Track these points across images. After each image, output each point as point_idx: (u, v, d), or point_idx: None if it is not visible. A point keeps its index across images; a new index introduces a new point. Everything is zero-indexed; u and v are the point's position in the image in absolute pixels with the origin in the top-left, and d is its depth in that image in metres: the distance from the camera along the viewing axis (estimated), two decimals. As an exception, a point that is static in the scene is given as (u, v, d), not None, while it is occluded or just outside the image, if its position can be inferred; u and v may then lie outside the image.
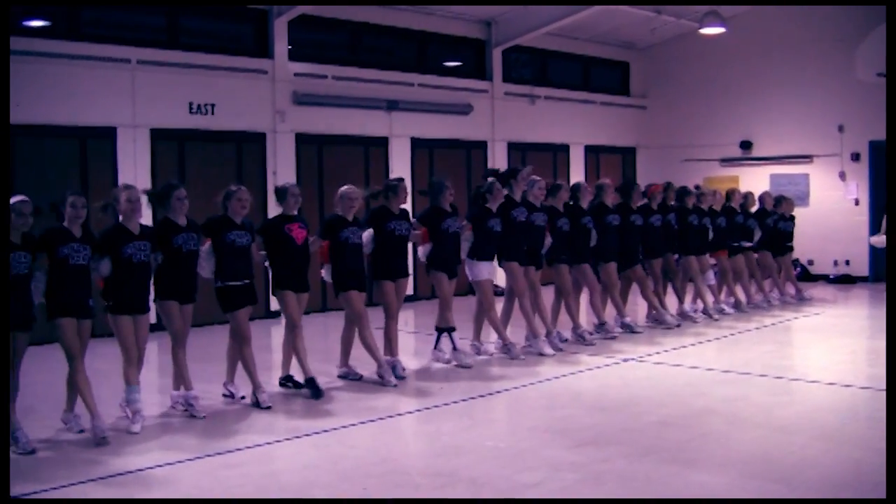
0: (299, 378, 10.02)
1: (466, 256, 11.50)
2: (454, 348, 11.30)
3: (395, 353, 10.80)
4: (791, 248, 16.74)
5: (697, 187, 15.36)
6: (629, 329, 13.09)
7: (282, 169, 15.61)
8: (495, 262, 11.75)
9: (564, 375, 10.54)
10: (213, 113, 15.23)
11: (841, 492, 6.52)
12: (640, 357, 11.40)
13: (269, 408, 9.25)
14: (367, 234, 10.62)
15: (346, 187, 10.53)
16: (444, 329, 11.39)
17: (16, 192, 12.56)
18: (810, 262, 20.07)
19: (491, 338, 12.07)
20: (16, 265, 7.94)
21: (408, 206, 11.40)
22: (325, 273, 10.46)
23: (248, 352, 9.49)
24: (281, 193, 10.11)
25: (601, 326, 12.82)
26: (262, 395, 9.39)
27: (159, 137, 14.72)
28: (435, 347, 11.51)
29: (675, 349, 11.93)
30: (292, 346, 10.02)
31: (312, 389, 9.76)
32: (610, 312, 13.17)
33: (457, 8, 18.34)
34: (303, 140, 16.36)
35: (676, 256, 14.40)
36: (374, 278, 10.80)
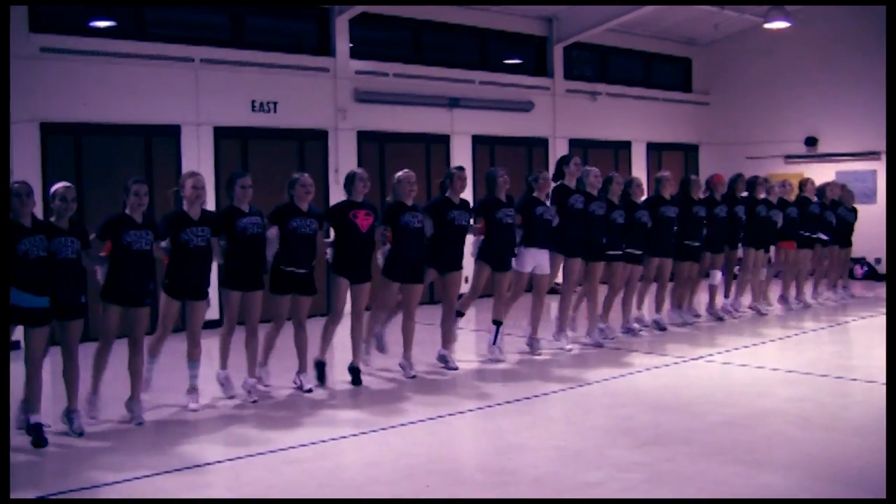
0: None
1: (519, 245, 11.43)
2: (493, 342, 11.28)
3: (446, 345, 10.88)
4: (851, 243, 16.47)
5: (765, 179, 15.18)
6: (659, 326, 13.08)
7: (344, 166, 15.62)
8: (545, 253, 11.53)
9: (625, 375, 10.46)
10: (275, 111, 15.33)
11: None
12: (702, 357, 11.29)
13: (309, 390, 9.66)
14: (427, 222, 10.63)
15: (402, 172, 10.53)
16: (494, 322, 11.38)
17: (85, 191, 12.89)
18: (877, 261, 19.75)
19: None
20: (62, 250, 8.12)
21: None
22: (381, 257, 10.42)
23: (263, 338, 9.69)
24: (349, 179, 10.15)
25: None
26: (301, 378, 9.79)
27: (222, 135, 14.85)
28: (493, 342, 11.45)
29: (736, 349, 11.79)
30: (324, 332, 10.20)
31: (319, 372, 10.14)
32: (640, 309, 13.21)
33: (518, 5, 18.29)
34: (364, 137, 16.42)
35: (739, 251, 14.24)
36: (437, 270, 10.79)
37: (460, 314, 11.27)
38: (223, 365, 9.65)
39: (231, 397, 9.43)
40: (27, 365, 8.04)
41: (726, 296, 14.31)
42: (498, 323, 11.32)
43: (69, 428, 8.23)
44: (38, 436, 7.92)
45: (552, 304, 12.42)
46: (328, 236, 10.27)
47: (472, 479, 6.92)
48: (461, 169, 10.98)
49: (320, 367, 10.13)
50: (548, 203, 11.57)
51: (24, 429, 8.02)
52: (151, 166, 14.02)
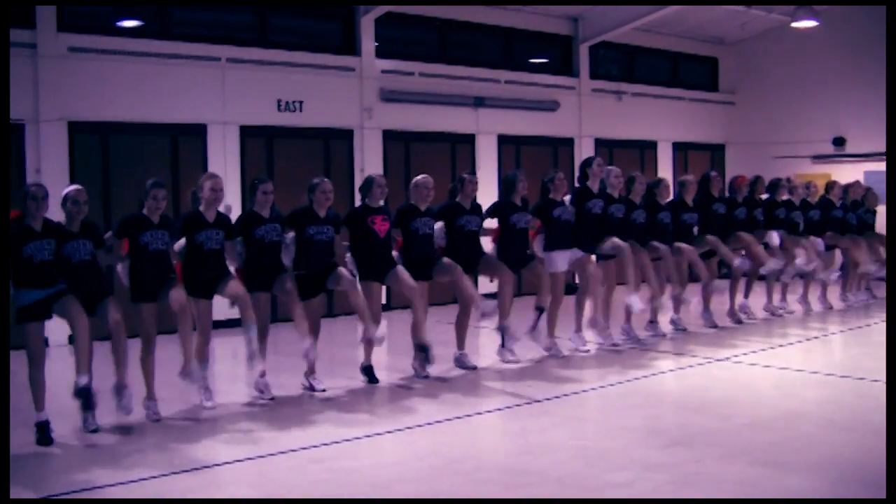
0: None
1: (543, 250, 11.41)
2: (502, 345, 11.23)
3: (462, 346, 10.88)
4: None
5: (789, 180, 15.07)
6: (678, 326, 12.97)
7: (369, 166, 15.68)
8: (574, 252, 11.47)
9: (651, 375, 10.42)
10: (301, 110, 15.38)
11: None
12: (727, 358, 11.22)
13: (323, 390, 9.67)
14: (439, 226, 10.62)
15: (420, 176, 10.53)
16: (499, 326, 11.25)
17: (111, 189, 12.98)
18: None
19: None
20: (75, 253, 8.20)
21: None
22: (397, 259, 10.38)
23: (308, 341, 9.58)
24: (366, 184, 10.18)
25: (651, 324, 12.74)
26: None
27: (248, 134, 14.91)
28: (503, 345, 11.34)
29: (762, 350, 11.72)
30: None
31: (370, 376, 10.13)
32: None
33: (544, 5, 18.26)
34: (390, 137, 16.44)
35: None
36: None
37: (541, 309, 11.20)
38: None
39: (271, 399, 9.42)
40: (29, 361, 8.05)
41: (746, 296, 14.19)
42: (504, 328, 11.21)
43: (83, 425, 8.25)
44: (43, 434, 7.93)
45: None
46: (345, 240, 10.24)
47: (497, 479, 6.89)
48: (472, 174, 11.01)
49: (369, 371, 10.13)
50: (567, 203, 11.52)
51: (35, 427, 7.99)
52: (178, 165, 14.10)
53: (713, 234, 13.06)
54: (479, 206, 10.97)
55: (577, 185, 12.03)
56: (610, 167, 12.10)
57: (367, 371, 10.14)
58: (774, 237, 13.64)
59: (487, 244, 11.15)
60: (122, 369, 8.42)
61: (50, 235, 8.05)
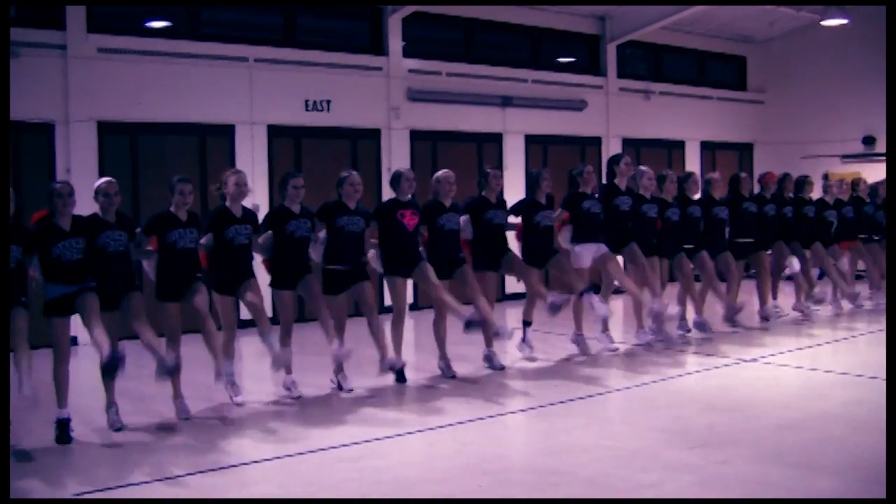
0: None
1: (570, 242, 11.41)
2: (522, 339, 11.33)
3: (490, 344, 10.82)
4: None
5: (826, 177, 14.99)
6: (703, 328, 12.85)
7: (396, 165, 15.57)
8: (599, 246, 11.42)
9: (679, 375, 10.40)
10: (328, 110, 15.42)
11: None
12: (755, 358, 11.16)
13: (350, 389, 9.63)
14: (464, 218, 10.63)
15: (441, 172, 10.52)
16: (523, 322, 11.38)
17: (140, 189, 13.05)
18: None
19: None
20: (111, 243, 8.27)
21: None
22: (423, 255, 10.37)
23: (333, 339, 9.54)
24: (395, 179, 10.18)
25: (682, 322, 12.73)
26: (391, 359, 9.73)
27: (276, 134, 14.96)
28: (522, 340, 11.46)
29: (790, 351, 11.65)
30: (393, 332, 10.16)
31: (399, 375, 10.08)
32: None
33: (571, 5, 18.23)
34: (417, 136, 16.46)
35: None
36: (473, 268, 10.70)
37: (526, 323, 11.34)
38: (288, 370, 9.62)
39: (298, 397, 9.47)
40: (54, 356, 8.08)
41: (775, 297, 14.11)
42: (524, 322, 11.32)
43: (108, 422, 8.33)
44: (62, 431, 7.96)
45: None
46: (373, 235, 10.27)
47: (525, 480, 6.89)
48: (497, 169, 11.01)
49: (399, 371, 10.10)
50: (595, 198, 11.52)
51: (55, 425, 8.01)
52: (206, 165, 14.16)
53: (746, 233, 13.12)
54: (504, 201, 10.99)
55: (605, 182, 12.03)
56: (643, 169, 12.07)
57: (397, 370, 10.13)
58: (795, 264, 13.74)
59: (512, 240, 11.17)
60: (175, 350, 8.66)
61: (79, 233, 8.10)
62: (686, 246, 12.40)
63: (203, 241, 9.08)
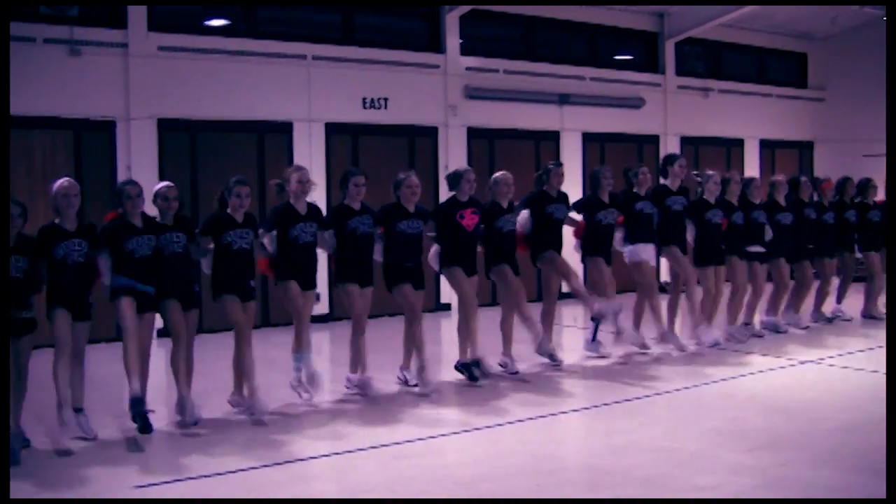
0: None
1: (623, 242, 11.37)
2: (591, 338, 11.38)
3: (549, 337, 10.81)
4: None
5: None
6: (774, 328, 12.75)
7: (454, 163, 15.67)
8: (650, 247, 11.43)
9: (740, 376, 10.28)
10: (386, 107, 15.46)
11: None
12: (816, 360, 11.03)
13: (426, 394, 9.47)
14: (524, 214, 10.60)
15: (499, 173, 10.50)
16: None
17: (199, 186, 13.17)
18: None
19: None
20: (169, 245, 8.38)
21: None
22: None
23: (418, 329, 9.59)
24: (455, 178, 10.14)
25: (746, 326, 12.50)
26: (425, 376, 9.60)
27: (334, 131, 15.04)
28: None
29: (850, 353, 11.49)
30: (467, 327, 10.06)
31: (469, 373, 10.02)
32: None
33: (629, 4, 18.16)
34: (474, 134, 16.45)
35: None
36: (532, 261, 10.76)
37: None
38: (354, 368, 9.64)
39: (363, 394, 9.49)
40: (123, 335, 8.11)
41: (839, 301, 13.91)
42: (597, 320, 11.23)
43: (182, 417, 8.41)
44: (143, 422, 8.08)
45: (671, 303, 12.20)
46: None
47: (582, 479, 6.87)
48: (558, 164, 10.95)
49: (476, 365, 10.05)
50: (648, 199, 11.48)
51: (134, 416, 8.07)
52: (264, 162, 14.27)
53: (808, 239, 12.95)
54: (565, 195, 10.97)
55: (660, 181, 11.96)
56: (710, 173, 11.90)
57: (467, 368, 10.08)
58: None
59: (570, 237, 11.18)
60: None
61: (150, 231, 8.26)
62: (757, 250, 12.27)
63: (265, 240, 9.11)
